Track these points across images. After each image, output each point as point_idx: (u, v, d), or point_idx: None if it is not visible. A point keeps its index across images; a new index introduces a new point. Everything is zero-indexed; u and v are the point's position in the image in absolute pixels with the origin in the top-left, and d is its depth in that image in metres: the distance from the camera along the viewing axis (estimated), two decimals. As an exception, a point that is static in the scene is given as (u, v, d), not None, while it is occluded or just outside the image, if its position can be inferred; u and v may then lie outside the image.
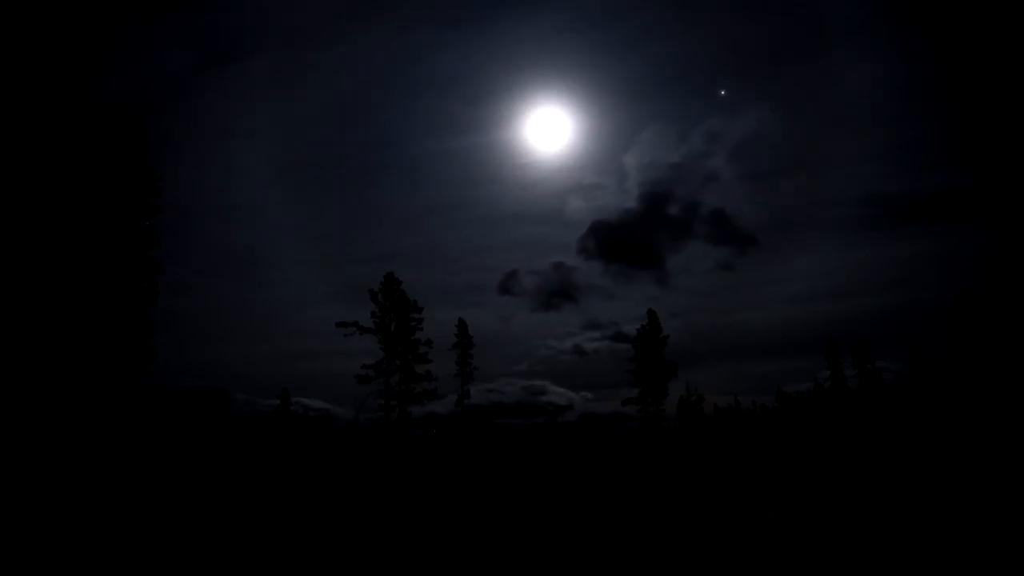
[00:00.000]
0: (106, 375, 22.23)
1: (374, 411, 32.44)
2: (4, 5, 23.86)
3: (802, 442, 38.78)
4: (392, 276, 34.54)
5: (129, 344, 22.97)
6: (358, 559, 10.97)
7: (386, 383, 32.87)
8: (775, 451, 35.86)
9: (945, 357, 48.85)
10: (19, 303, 20.61)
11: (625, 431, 53.70)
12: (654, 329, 45.29)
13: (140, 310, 23.42)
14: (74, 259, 22.16)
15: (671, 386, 44.64)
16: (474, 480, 24.73)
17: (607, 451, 42.20)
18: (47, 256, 21.58)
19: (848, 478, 22.51)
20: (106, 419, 21.26)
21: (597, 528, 13.87)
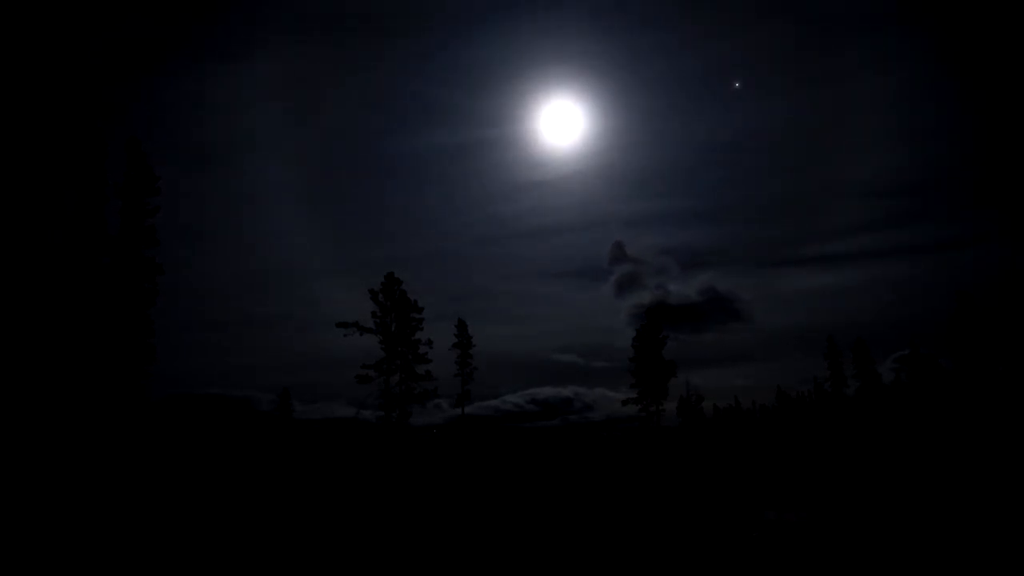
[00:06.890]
0: (106, 375, 22.20)
1: (375, 411, 32.40)
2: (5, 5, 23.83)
3: (802, 442, 38.83)
4: (392, 276, 34.38)
5: (129, 344, 22.94)
6: (365, 555, 10.97)
7: (386, 383, 32.80)
8: (775, 451, 35.88)
9: (945, 358, 48.99)
10: (19, 304, 20.58)
11: (625, 431, 53.70)
12: (653, 329, 45.15)
13: (140, 310, 23.38)
14: (74, 259, 22.12)
15: (671, 386, 44.58)
16: (474, 480, 24.72)
17: (608, 451, 42.20)
18: (47, 256, 21.54)
19: (848, 478, 22.52)
20: (106, 419, 21.24)
21: (599, 527, 13.86)
